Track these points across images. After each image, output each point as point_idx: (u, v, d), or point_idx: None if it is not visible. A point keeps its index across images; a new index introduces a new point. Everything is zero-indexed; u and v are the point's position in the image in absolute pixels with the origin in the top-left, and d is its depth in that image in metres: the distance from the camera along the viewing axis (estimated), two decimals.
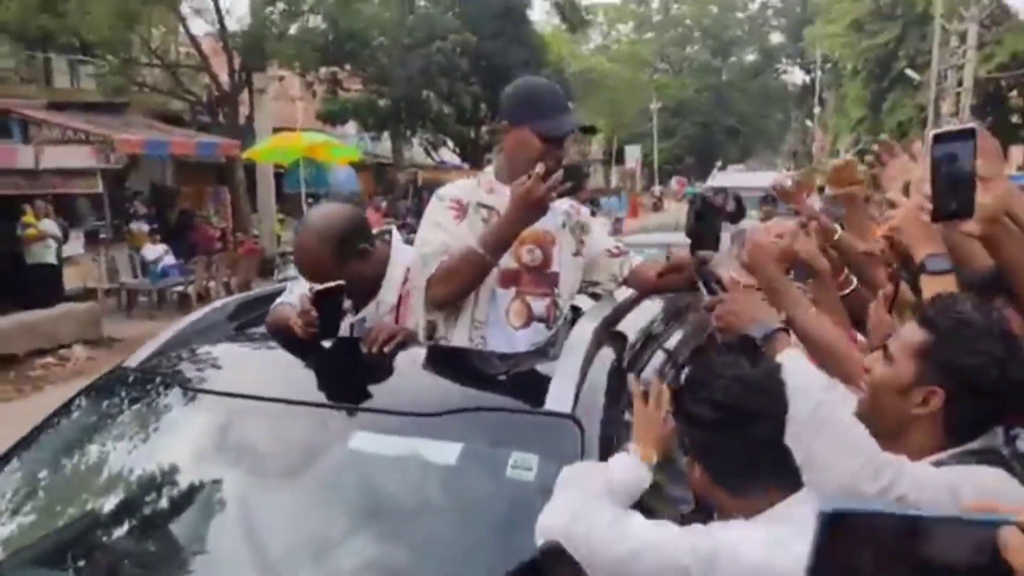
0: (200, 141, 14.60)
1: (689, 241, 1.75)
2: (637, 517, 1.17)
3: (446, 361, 1.80)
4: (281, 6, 16.69)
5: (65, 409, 1.69)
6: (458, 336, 1.87)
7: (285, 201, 16.13)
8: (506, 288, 1.90)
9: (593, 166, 46.20)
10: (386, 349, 1.68)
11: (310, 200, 14.07)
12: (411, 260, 2.02)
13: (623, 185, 38.53)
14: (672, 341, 2.09)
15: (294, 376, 1.70)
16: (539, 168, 1.71)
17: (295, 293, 2.05)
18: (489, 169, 2.01)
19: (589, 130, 2.12)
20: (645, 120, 42.08)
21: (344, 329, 1.95)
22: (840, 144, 36.29)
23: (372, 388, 1.61)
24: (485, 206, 1.91)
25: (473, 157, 27.23)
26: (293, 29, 19.88)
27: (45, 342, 8.03)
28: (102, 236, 12.32)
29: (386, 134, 23.20)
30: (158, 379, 1.66)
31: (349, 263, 1.88)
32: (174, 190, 16.48)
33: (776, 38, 55.96)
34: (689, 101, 47.43)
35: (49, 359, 7.93)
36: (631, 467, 1.26)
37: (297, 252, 1.94)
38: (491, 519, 1.39)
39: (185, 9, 16.20)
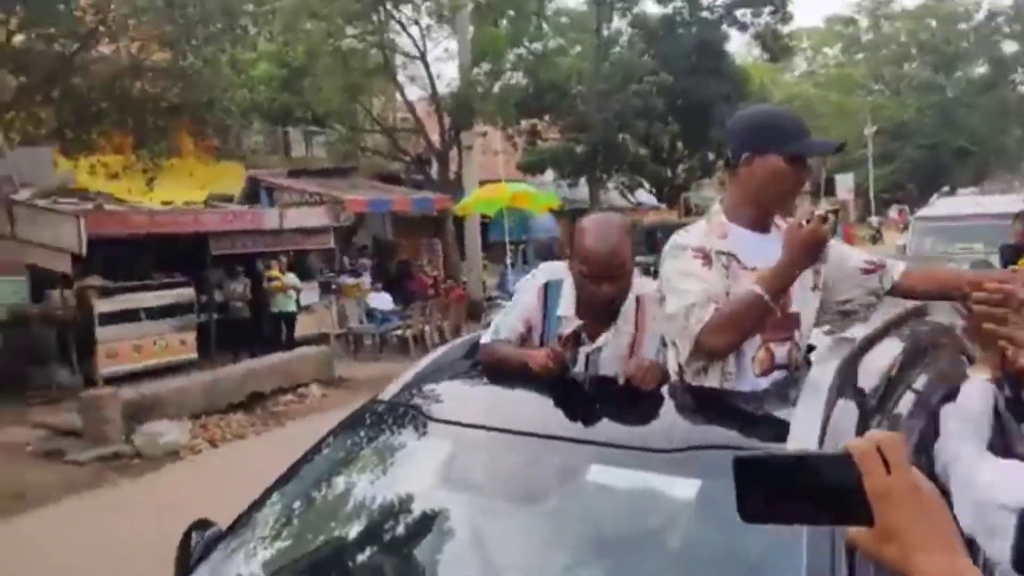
0: (416, 197, 15.78)
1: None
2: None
3: (685, 398, 1.79)
4: (486, 67, 17.67)
5: (327, 438, 1.89)
6: (710, 385, 1.85)
7: (490, 249, 16.93)
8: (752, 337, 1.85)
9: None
10: (652, 387, 1.74)
11: (512, 247, 14.75)
12: (648, 299, 2.06)
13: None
14: (920, 382, 1.93)
15: (536, 409, 1.77)
16: (819, 210, 1.70)
17: (504, 332, 2.14)
18: (715, 210, 1.93)
19: (840, 148, 2.03)
20: (858, 146, 39.38)
21: (580, 358, 2.00)
22: None
23: (614, 422, 1.64)
24: (723, 253, 1.84)
25: (670, 197, 26.99)
26: (496, 87, 20.99)
27: (286, 381, 8.96)
28: (333, 287, 13.61)
29: (583, 179, 23.60)
30: (409, 411, 1.80)
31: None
32: (394, 243, 17.87)
33: (1009, 47, 50.39)
34: (910, 122, 43.75)
35: (290, 397, 8.83)
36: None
37: (601, 245, 2.00)
38: (725, 558, 1.36)
39: (401, 78, 17.75)
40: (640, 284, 2.13)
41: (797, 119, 1.90)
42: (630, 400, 1.69)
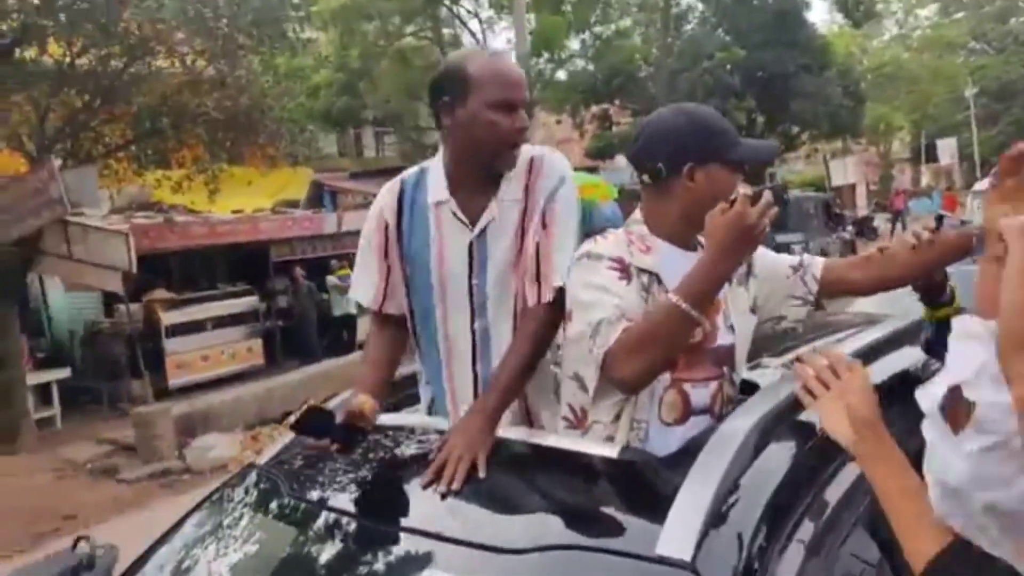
0: None
1: None
2: None
3: (546, 467, 1.41)
4: (546, 56, 17.31)
5: (196, 507, 1.65)
6: (618, 438, 1.49)
7: None
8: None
9: (899, 166, 41.39)
10: (457, 485, 1.32)
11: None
12: (540, 158, 1.71)
13: (934, 184, 33.90)
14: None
15: (383, 486, 1.46)
16: (742, 190, 1.35)
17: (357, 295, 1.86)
18: (636, 219, 1.59)
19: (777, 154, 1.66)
20: (958, 109, 36.75)
21: (461, 250, 1.69)
22: None
23: (451, 507, 1.29)
24: (645, 270, 1.51)
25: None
26: (561, 75, 20.59)
27: (342, 387, 8.88)
28: None
29: None
30: (273, 482, 1.53)
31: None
32: None
33: None
34: (1017, 80, 40.51)
35: None
36: None
37: (507, 62, 1.71)
38: None
39: None
40: (526, 147, 1.74)
41: (726, 120, 1.58)
42: (502, 465, 1.36)
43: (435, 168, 1.75)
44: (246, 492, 1.59)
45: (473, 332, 1.73)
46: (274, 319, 11.67)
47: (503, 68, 1.65)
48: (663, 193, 1.54)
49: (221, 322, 10.80)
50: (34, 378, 9.06)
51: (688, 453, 1.21)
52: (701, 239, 1.51)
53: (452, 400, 1.78)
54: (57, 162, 8.29)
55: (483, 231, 1.69)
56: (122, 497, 6.45)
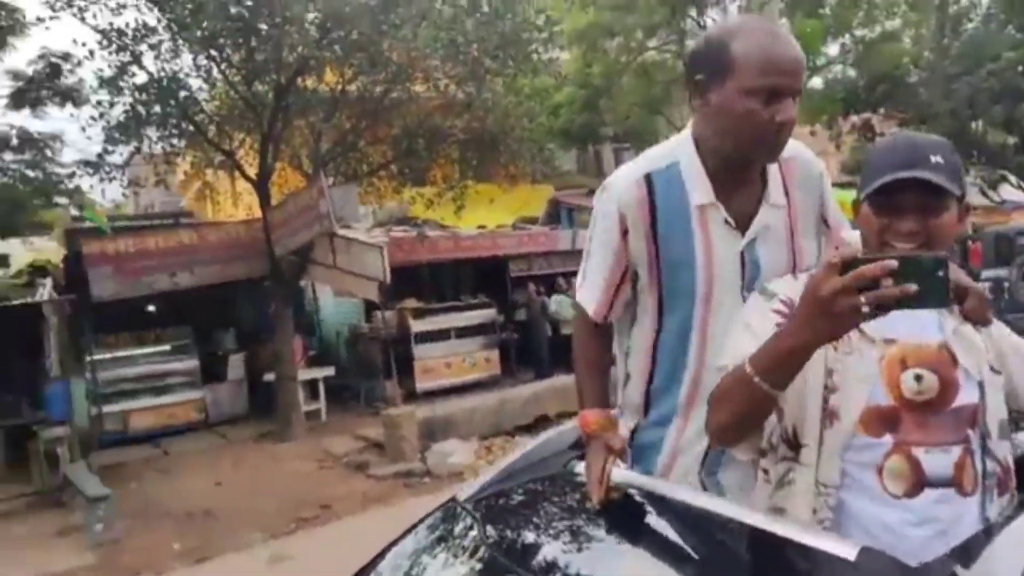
0: None
1: None
2: None
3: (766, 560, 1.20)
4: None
5: (401, 536, 1.67)
6: (796, 503, 1.27)
7: None
8: (877, 436, 1.25)
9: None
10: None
11: None
12: (794, 160, 1.56)
13: None
14: None
15: (582, 554, 1.39)
16: (832, 254, 1.10)
17: (585, 296, 1.66)
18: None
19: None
20: None
21: (733, 258, 1.51)
22: None
23: None
24: None
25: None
26: (817, 82, 19.32)
27: (571, 404, 8.99)
28: None
29: None
30: (469, 524, 1.52)
31: None
32: None
33: None
34: None
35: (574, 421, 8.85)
36: None
37: (777, 40, 1.40)
38: None
39: None
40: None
41: (906, 143, 1.32)
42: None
43: (690, 162, 1.53)
44: (444, 529, 1.59)
45: None
46: (510, 332, 12.13)
47: (774, 48, 1.37)
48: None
49: (463, 332, 11.44)
50: (304, 375, 10.22)
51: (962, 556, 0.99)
52: None
53: (672, 448, 1.59)
54: (328, 181, 9.33)
55: (754, 240, 1.52)
56: (370, 492, 7.01)
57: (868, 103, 19.89)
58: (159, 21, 8.87)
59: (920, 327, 1.29)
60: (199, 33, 8.57)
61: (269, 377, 9.80)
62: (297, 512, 6.57)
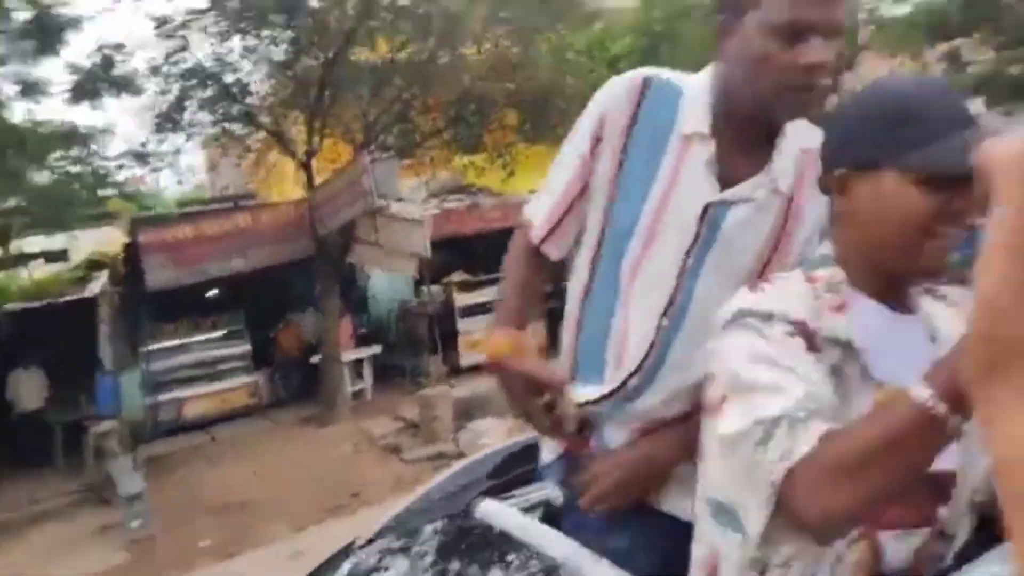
0: None
1: None
2: None
3: None
4: None
5: None
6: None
7: None
8: None
9: None
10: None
11: None
12: (813, 157, 1.17)
13: None
14: None
15: None
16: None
17: (535, 210, 1.45)
18: (827, 268, 1.05)
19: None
20: None
21: (693, 207, 1.27)
22: None
23: None
24: (835, 341, 0.99)
25: None
26: (903, 10, 17.89)
27: None
28: None
29: None
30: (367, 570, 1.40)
31: None
32: None
33: None
34: None
35: None
36: None
37: None
38: None
39: None
40: (799, 122, 1.25)
41: (943, 100, 0.98)
42: None
43: (695, 91, 1.29)
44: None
45: (657, 331, 1.30)
46: (556, 302, 11.76)
47: None
48: (841, 217, 1.06)
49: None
50: (351, 355, 10.16)
51: None
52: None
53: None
54: (373, 155, 9.15)
55: (730, 204, 1.25)
56: (403, 476, 6.89)
57: (960, 28, 18.23)
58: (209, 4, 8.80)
59: (911, 359, 0.91)
60: (246, 13, 8.47)
61: (316, 359, 9.80)
62: (328, 501, 6.51)
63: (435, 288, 10.80)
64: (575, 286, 1.41)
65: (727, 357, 1.00)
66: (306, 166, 9.54)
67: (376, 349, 10.59)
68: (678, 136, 1.27)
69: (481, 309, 10.93)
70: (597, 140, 1.32)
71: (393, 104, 10.27)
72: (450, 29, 9.17)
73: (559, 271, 1.46)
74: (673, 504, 1.34)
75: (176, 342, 10.13)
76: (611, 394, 1.35)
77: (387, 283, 12.50)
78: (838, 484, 0.84)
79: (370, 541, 1.56)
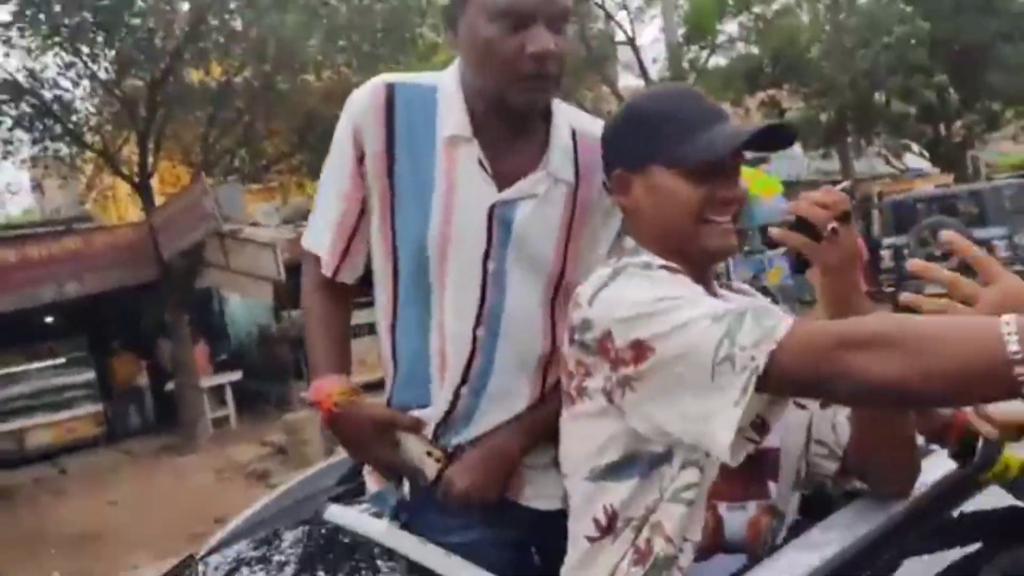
0: None
1: None
2: None
3: None
4: (697, 45, 16.63)
5: None
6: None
7: None
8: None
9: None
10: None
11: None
12: (588, 137, 1.26)
13: None
14: None
15: None
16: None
17: (315, 241, 1.38)
18: (645, 258, 1.12)
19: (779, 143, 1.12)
20: None
21: (479, 209, 1.24)
22: None
23: None
24: None
25: (948, 158, 23.17)
26: (720, 62, 19.64)
27: None
28: None
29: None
30: None
31: None
32: None
33: None
34: None
35: None
36: None
37: None
38: None
39: (617, 67, 17.20)
40: (567, 109, 1.33)
41: (691, 99, 1.13)
42: None
43: (448, 90, 1.27)
44: None
45: (475, 338, 1.27)
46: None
47: None
48: (628, 213, 1.17)
49: (371, 329, 11.24)
50: (209, 381, 9.88)
51: None
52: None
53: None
54: (216, 179, 9.02)
55: (514, 202, 1.25)
56: None
57: (771, 80, 20.32)
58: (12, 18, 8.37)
59: None
60: (60, 28, 8.14)
61: (171, 386, 9.46)
62: (191, 528, 6.33)
63: (296, 313, 10.72)
64: (381, 311, 1.35)
65: (624, 298, 0.99)
66: (142, 188, 9.27)
67: (236, 375, 10.33)
68: (442, 140, 1.25)
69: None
70: (360, 156, 1.27)
71: (234, 127, 10.21)
72: (286, 54, 9.28)
73: (358, 289, 1.41)
74: (530, 497, 1.31)
75: (11, 370, 9.49)
76: (449, 412, 1.29)
77: (245, 308, 12.21)
78: (887, 356, 0.80)
79: (214, 550, 1.56)
